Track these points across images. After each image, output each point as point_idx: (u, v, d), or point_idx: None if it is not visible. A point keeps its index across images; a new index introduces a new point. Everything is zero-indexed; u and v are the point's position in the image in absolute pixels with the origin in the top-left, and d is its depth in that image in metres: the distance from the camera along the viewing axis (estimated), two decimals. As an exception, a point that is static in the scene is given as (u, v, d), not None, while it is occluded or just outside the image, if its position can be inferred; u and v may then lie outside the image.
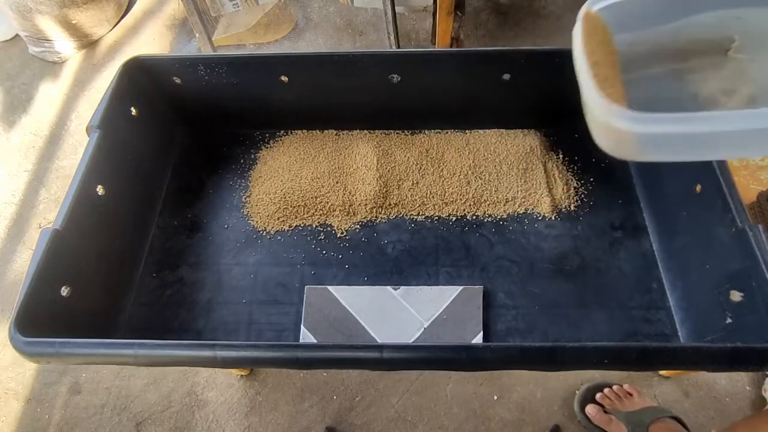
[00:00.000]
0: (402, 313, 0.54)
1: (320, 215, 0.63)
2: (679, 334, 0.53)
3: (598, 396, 0.87)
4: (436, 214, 0.63)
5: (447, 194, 0.63)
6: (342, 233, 0.61)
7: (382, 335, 0.53)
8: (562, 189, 0.63)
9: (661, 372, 0.93)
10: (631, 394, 0.86)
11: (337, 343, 0.52)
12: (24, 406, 0.97)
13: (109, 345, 0.42)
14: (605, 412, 0.86)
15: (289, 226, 0.62)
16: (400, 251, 0.60)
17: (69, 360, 0.43)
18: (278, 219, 0.63)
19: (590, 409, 0.86)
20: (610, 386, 0.89)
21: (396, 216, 0.63)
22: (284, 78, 0.63)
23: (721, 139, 0.34)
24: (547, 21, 1.51)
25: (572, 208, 0.62)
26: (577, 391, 0.91)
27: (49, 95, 1.45)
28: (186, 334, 0.55)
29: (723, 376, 0.93)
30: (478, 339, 0.53)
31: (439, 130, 0.70)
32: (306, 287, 0.56)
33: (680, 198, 0.55)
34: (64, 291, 0.48)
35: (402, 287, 0.56)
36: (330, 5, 1.60)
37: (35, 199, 1.25)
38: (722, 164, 0.49)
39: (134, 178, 0.61)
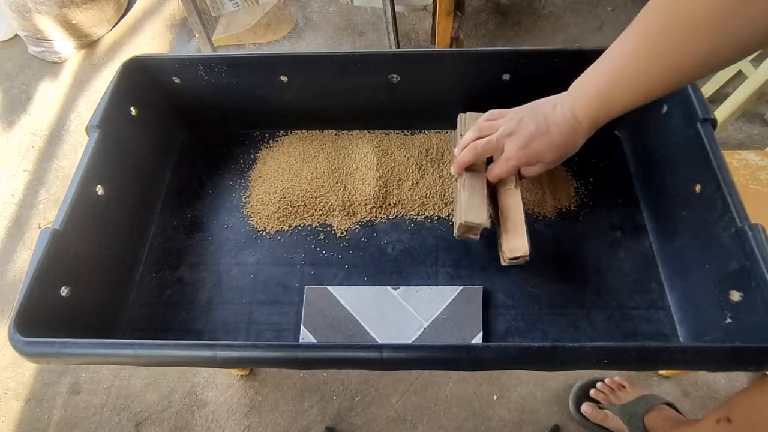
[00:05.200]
0: (402, 313, 0.54)
1: (320, 215, 0.63)
2: (679, 333, 0.53)
3: (591, 392, 0.88)
4: (436, 214, 0.63)
5: (447, 194, 0.63)
6: (342, 233, 0.61)
7: (381, 335, 0.53)
8: (562, 189, 0.63)
9: (661, 372, 0.93)
10: (623, 386, 0.87)
11: (337, 343, 0.52)
12: (24, 406, 0.97)
13: (109, 345, 0.42)
14: (600, 407, 0.86)
15: (289, 226, 0.62)
16: (400, 251, 0.60)
17: (69, 360, 0.43)
18: (278, 219, 0.63)
19: (586, 407, 0.86)
20: (602, 381, 0.89)
21: (396, 216, 0.63)
22: (284, 78, 0.63)
23: None
24: (547, 21, 1.51)
25: (572, 208, 0.62)
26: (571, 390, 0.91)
27: (49, 95, 1.45)
28: (186, 334, 0.55)
29: (723, 375, 0.93)
30: (478, 339, 0.53)
31: (439, 130, 0.70)
32: (306, 287, 0.56)
33: (680, 198, 0.55)
34: (64, 291, 0.48)
35: (402, 287, 0.56)
36: (330, 5, 1.60)
37: (35, 199, 1.25)
38: (722, 164, 0.49)
39: (134, 178, 0.61)
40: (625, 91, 0.44)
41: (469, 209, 0.53)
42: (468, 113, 0.63)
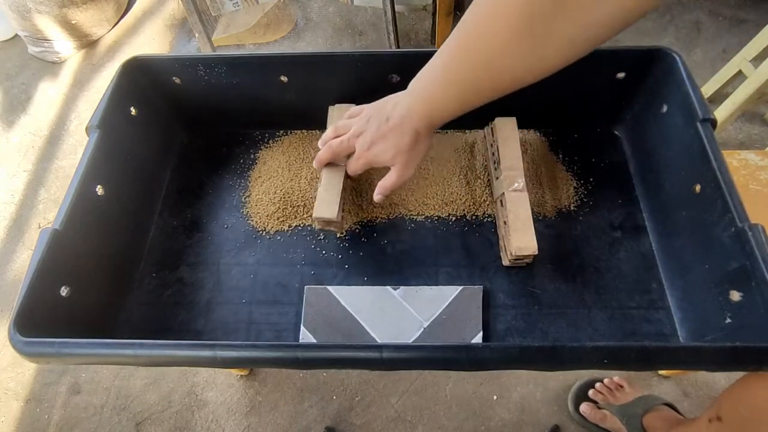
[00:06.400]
0: (402, 313, 0.54)
1: (320, 215, 0.63)
2: (679, 334, 0.53)
3: (590, 392, 0.88)
4: (436, 214, 0.62)
5: (447, 194, 0.63)
6: (342, 233, 0.61)
7: (381, 335, 0.53)
8: (562, 189, 0.63)
9: (661, 372, 0.93)
10: (622, 386, 0.87)
11: (337, 343, 0.52)
12: (23, 406, 0.97)
13: (109, 345, 0.42)
14: (599, 407, 0.86)
15: (289, 226, 0.62)
16: (400, 251, 0.60)
17: (69, 360, 0.43)
18: (278, 219, 0.63)
19: (584, 407, 0.86)
20: (601, 381, 0.89)
21: (396, 216, 0.63)
22: (284, 78, 0.63)
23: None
24: (546, 21, 1.50)
25: (572, 208, 0.62)
26: (570, 390, 0.91)
27: (49, 95, 1.45)
28: (186, 334, 0.55)
29: (722, 375, 0.93)
30: (478, 339, 0.53)
31: (439, 130, 0.70)
32: (306, 287, 0.56)
33: (680, 198, 0.55)
34: (64, 291, 0.48)
35: (402, 287, 0.56)
36: (330, 5, 1.60)
37: (35, 199, 1.25)
38: (722, 164, 0.49)
39: (134, 178, 0.61)
40: (451, 95, 0.46)
41: (321, 204, 0.55)
42: (337, 105, 0.64)
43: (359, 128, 0.53)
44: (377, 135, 0.51)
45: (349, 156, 0.56)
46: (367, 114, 0.53)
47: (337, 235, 0.61)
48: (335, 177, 0.58)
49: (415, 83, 0.49)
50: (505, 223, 0.56)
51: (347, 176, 0.58)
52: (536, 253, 0.53)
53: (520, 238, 0.54)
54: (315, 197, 0.63)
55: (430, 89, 0.47)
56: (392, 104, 0.51)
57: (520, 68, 0.41)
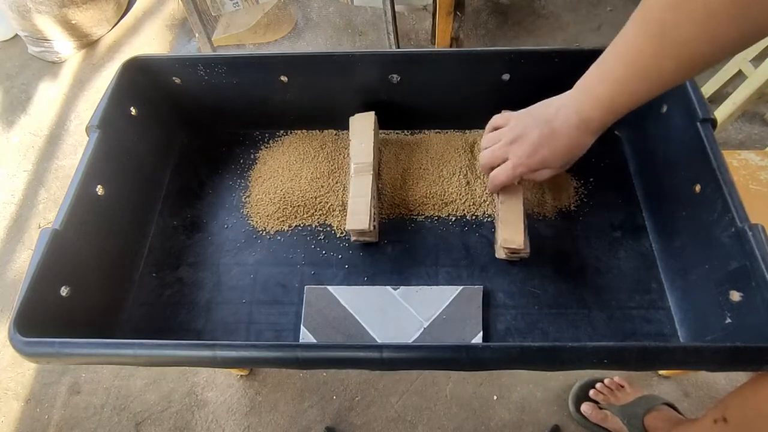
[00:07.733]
0: (402, 313, 0.54)
1: (320, 215, 0.63)
2: (679, 334, 0.53)
3: (591, 393, 0.88)
4: (436, 214, 0.62)
5: (447, 194, 0.63)
6: (342, 233, 0.61)
7: (381, 335, 0.53)
8: (562, 189, 0.63)
9: (661, 372, 0.93)
10: (622, 386, 0.87)
11: (337, 343, 0.52)
12: (23, 406, 0.97)
13: (109, 345, 0.42)
14: (600, 408, 0.86)
15: (289, 226, 0.62)
16: (400, 251, 0.60)
17: (69, 360, 0.43)
18: (278, 219, 0.63)
19: (585, 407, 0.87)
20: (602, 381, 0.89)
21: (396, 216, 0.63)
22: (284, 78, 0.63)
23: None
24: (547, 21, 1.51)
25: (572, 208, 0.62)
26: (570, 390, 0.91)
27: (49, 95, 1.45)
28: (186, 334, 0.55)
29: (723, 376, 0.93)
30: (478, 339, 0.53)
31: (439, 130, 0.70)
32: (306, 287, 0.56)
33: (679, 198, 0.55)
34: (64, 291, 0.48)
35: (402, 287, 0.56)
36: (330, 5, 1.60)
37: (35, 199, 1.25)
38: (722, 164, 0.49)
39: (134, 178, 0.61)
40: (635, 89, 0.43)
41: (352, 216, 0.56)
42: (357, 115, 0.65)
43: (513, 136, 0.49)
44: (540, 140, 0.48)
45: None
46: (519, 121, 0.50)
47: (338, 235, 0.61)
48: (363, 186, 0.58)
49: (585, 85, 0.46)
50: (497, 215, 0.56)
51: (375, 184, 0.58)
52: (521, 247, 0.53)
53: (508, 231, 0.54)
54: (316, 198, 0.63)
55: (609, 87, 0.44)
56: (554, 107, 0.48)
57: (732, 37, 0.37)
